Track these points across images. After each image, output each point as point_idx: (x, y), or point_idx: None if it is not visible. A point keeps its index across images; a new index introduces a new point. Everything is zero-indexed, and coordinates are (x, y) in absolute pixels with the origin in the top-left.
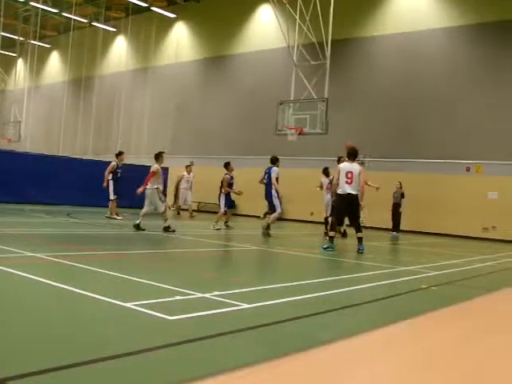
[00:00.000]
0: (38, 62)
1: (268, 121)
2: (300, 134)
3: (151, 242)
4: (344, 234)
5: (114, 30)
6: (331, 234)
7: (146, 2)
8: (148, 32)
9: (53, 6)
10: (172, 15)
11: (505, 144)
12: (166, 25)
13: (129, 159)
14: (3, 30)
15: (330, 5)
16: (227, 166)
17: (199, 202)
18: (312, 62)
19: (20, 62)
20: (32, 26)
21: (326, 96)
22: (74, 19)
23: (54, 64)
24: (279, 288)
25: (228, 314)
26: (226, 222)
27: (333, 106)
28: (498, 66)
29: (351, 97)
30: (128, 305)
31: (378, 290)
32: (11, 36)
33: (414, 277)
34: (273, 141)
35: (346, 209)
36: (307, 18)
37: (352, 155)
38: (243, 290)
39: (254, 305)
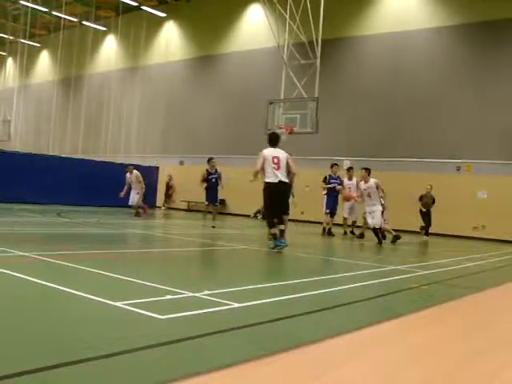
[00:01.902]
0: (27, 60)
1: (258, 120)
2: (290, 133)
3: (141, 242)
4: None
5: (104, 29)
6: (272, 231)
7: (136, 1)
8: (138, 31)
9: (43, 5)
10: (162, 14)
11: (494, 143)
12: (156, 24)
13: (118, 158)
14: None
15: (321, 4)
16: (208, 161)
17: (189, 202)
18: (302, 62)
19: (10, 61)
20: (22, 24)
21: (316, 95)
22: (64, 18)
23: (44, 63)
24: (269, 287)
25: (218, 313)
26: (209, 212)
27: (323, 105)
28: (487, 65)
29: (341, 96)
30: (118, 304)
31: (367, 289)
32: (0, 35)
33: (403, 276)
34: (263, 140)
35: (279, 198)
36: (297, 18)
37: (272, 141)
38: (233, 289)
39: (244, 304)
